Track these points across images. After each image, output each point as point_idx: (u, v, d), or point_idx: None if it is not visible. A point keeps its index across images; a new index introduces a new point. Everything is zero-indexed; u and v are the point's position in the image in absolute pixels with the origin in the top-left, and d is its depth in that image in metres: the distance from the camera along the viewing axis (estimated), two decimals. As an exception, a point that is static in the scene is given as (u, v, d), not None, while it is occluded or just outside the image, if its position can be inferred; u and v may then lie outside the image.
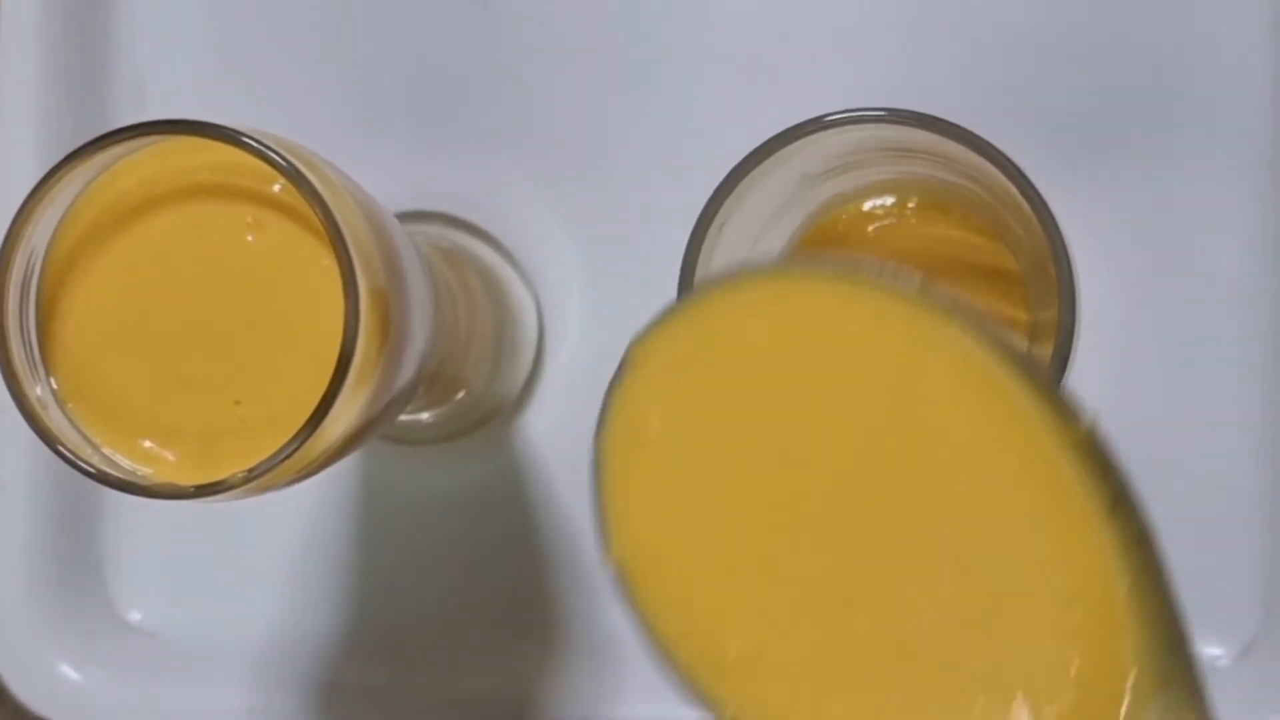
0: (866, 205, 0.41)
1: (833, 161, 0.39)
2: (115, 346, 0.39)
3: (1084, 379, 0.43)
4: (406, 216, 0.50)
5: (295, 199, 0.37)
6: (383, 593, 0.51)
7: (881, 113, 0.36)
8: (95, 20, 0.51)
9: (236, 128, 0.37)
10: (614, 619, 0.50)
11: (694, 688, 0.29)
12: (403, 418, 0.49)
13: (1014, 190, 0.35)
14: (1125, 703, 0.29)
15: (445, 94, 0.50)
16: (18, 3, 0.50)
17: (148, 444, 0.38)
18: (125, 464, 0.38)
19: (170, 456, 0.39)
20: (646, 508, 0.30)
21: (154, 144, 0.38)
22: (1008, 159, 0.35)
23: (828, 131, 0.36)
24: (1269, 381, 0.48)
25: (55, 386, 0.38)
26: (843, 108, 0.37)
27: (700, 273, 0.37)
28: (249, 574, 0.51)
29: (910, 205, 0.41)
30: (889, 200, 0.41)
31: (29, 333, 0.38)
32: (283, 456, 0.36)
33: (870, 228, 0.41)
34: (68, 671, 0.51)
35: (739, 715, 0.29)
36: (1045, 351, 0.36)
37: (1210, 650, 0.48)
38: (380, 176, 0.45)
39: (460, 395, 0.50)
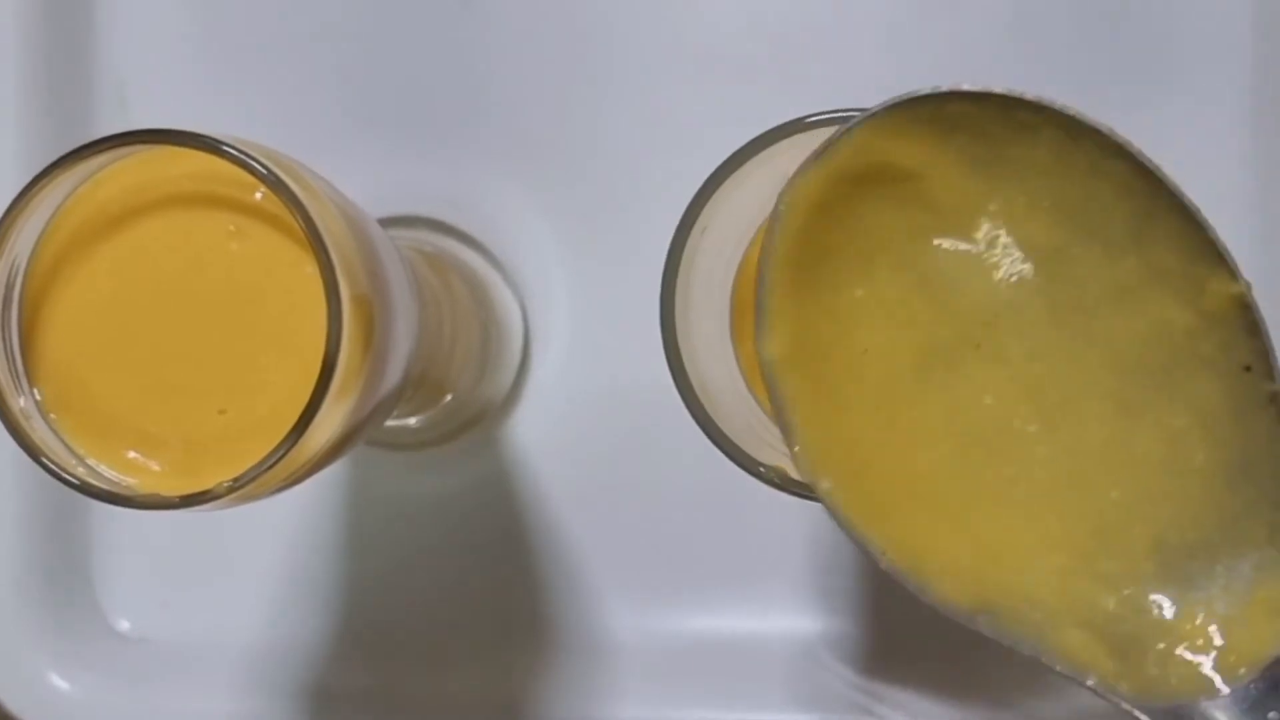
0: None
1: (815, 162, 0.38)
2: (99, 356, 0.39)
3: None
4: (390, 221, 0.50)
5: (277, 206, 0.37)
6: (372, 597, 0.51)
7: (862, 113, 0.36)
8: (76, 29, 0.51)
9: (217, 136, 0.37)
10: (604, 620, 0.50)
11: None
12: (390, 422, 0.49)
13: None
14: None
15: (428, 98, 0.50)
16: (-2, 13, 0.50)
17: (132, 454, 0.38)
18: (110, 475, 0.38)
19: (155, 466, 0.38)
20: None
21: (136, 153, 0.38)
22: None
23: (809, 133, 0.36)
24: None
25: (39, 398, 0.38)
26: (826, 104, 0.37)
27: (682, 278, 0.36)
28: (238, 580, 0.51)
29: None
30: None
31: (12, 343, 0.38)
32: (267, 465, 0.36)
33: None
34: (57, 680, 0.51)
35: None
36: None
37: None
38: (363, 181, 0.45)
39: (447, 399, 0.50)
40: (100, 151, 0.37)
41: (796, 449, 0.33)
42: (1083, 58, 0.48)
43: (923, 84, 0.34)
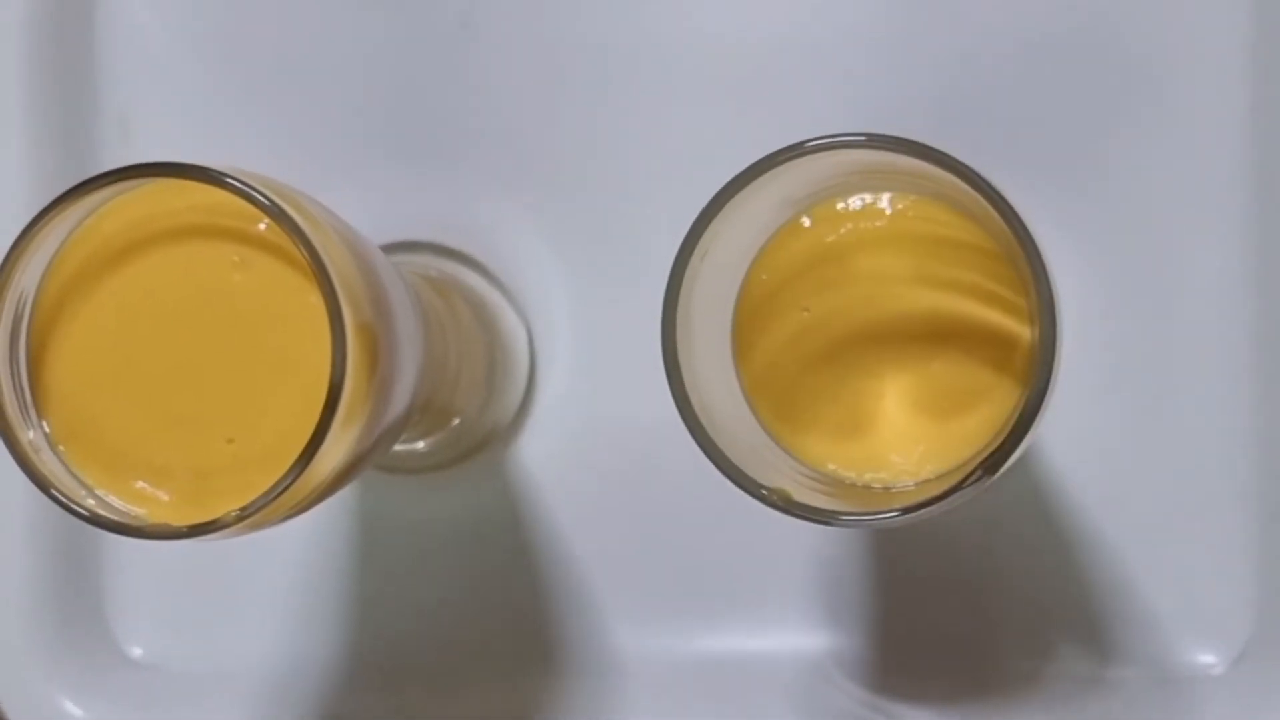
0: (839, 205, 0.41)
1: (814, 185, 0.39)
2: (106, 388, 0.39)
3: (1072, 391, 0.43)
4: (394, 247, 0.50)
5: (280, 237, 0.37)
6: (383, 621, 0.51)
7: (861, 138, 0.36)
8: (79, 62, 0.51)
9: (220, 168, 0.37)
10: (613, 640, 0.50)
11: None
12: (398, 447, 0.49)
13: (995, 213, 0.35)
14: None
15: (429, 123, 0.50)
16: (1, 47, 0.50)
17: (141, 484, 0.39)
18: (119, 505, 0.38)
19: (164, 496, 0.39)
20: None
21: (139, 186, 0.38)
22: (987, 183, 0.35)
23: (807, 157, 0.36)
24: (1258, 385, 0.48)
25: (48, 430, 0.39)
26: (824, 128, 0.37)
27: (683, 303, 0.37)
28: (249, 606, 0.51)
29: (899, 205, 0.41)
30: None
31: (20, 377, 0.38)
32: (275, 494, 0.36)
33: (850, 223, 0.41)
34: (71, 708, 0.51)
35: None
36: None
37: (1204, 658, 0.48)
38: (366, 208, 0.46)
39: (454, 423, 0.50)
40: (104, 185, 0.37)
41: None
42: (1082, 74, 0.48)
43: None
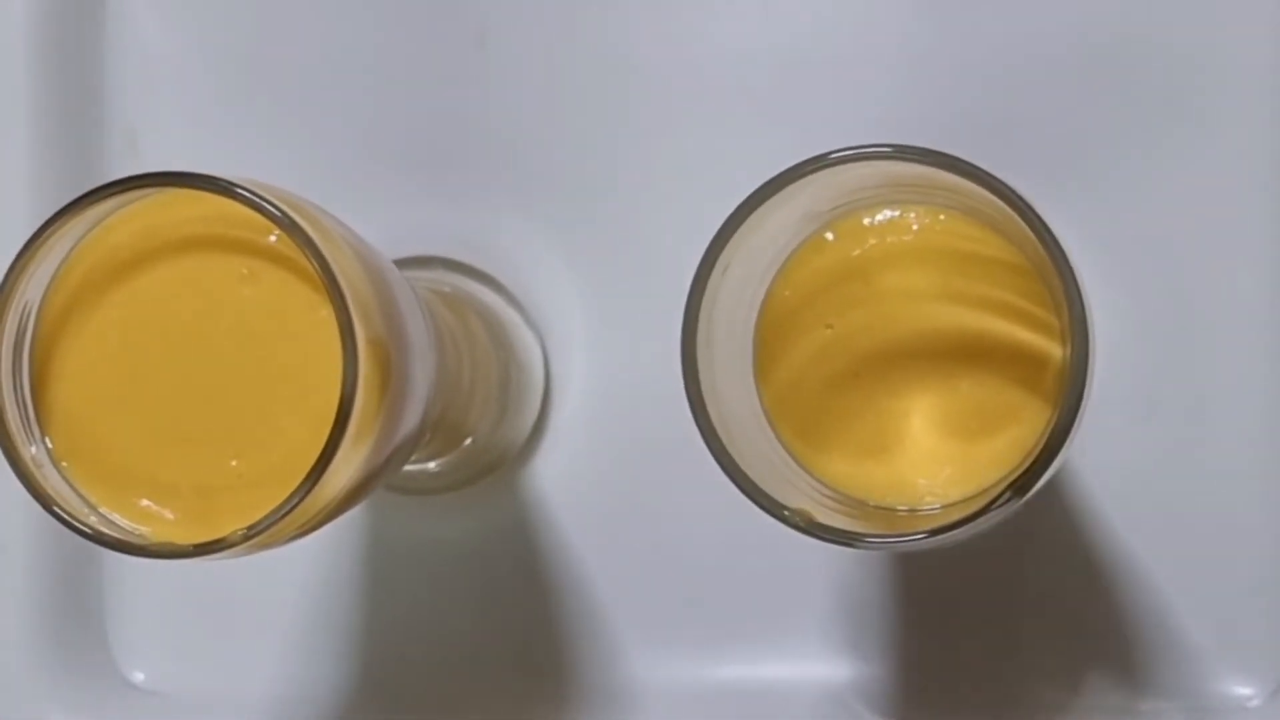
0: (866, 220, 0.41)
1: (838, 199, 0.38)
2: (111, 403, 0.38)
3: (1103, 412, 0.42)
4: (407, 262, 0.50)
5: (291, 249, 0.37)
6: (391, 645, 0.51)
7: (887, 149, 0.35)
8: (87, 72, 0.51)
9: (230, 178, 0.37)
10: (627, 668, 0.50)
11: None
12: (409, 467, 0.49)
13: (1024, 226, 0.35)
14: None
15: (443, 137, 0.50)
16: (8, 56, 0.50)
17: (145, 503, 0.38)
18: (123, 523, 0.38)
19: (169, 514, 0.38)
20: None
21: (147, 197, 0.38)
22: (1016, 194, 0.35)
23: (832, 169, 0.36)
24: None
25: (50, 446, 0.38)
26: (846, 140, 0.37)
27: (704, 319, 0.36)
28: (254, 630, 0.51)
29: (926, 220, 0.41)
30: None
31: (23, 391, 0.38)
32: (282, 513, 0.36)
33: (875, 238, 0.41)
34: (74, 734, 0.51)
35: None
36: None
37: (1241, 689, 0.48)
38: (379, 222, 0.45)
39: (467, 442, 0.50)
40: (111, 195, 0.37)
41: None
42: (1112, 89, 0.48)
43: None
